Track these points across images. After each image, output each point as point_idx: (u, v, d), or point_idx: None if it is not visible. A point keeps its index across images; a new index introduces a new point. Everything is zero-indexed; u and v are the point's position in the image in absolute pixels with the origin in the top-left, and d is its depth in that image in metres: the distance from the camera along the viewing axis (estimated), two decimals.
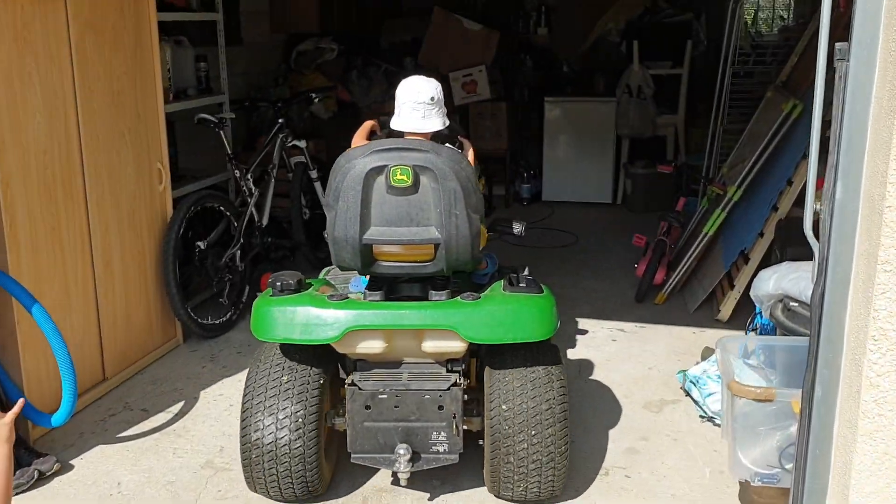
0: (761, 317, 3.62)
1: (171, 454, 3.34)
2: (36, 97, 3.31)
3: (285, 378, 2.87)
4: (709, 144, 6.20)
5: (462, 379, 2.89)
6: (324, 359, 2.95)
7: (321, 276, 3.48)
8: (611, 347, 4.38)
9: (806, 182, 2.16)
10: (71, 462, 3.26)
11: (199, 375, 4.06)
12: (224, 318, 4.57)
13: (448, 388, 2.84)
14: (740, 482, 2.91)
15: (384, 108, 6.26)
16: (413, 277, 2.94)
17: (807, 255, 2.19)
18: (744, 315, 4.24)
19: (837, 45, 1.97)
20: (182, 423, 3.59)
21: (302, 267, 4.74)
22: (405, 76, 3.11)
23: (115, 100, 3.80)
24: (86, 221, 3.66)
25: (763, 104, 5.46)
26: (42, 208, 3.38)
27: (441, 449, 2.85)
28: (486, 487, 3.00)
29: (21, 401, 2.19)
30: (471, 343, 2.80)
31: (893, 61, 1.82)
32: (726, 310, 4.57)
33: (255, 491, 2.96)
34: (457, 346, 2.81)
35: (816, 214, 2.11)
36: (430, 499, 3.01)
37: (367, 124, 3.32)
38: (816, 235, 2.11)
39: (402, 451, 2.81)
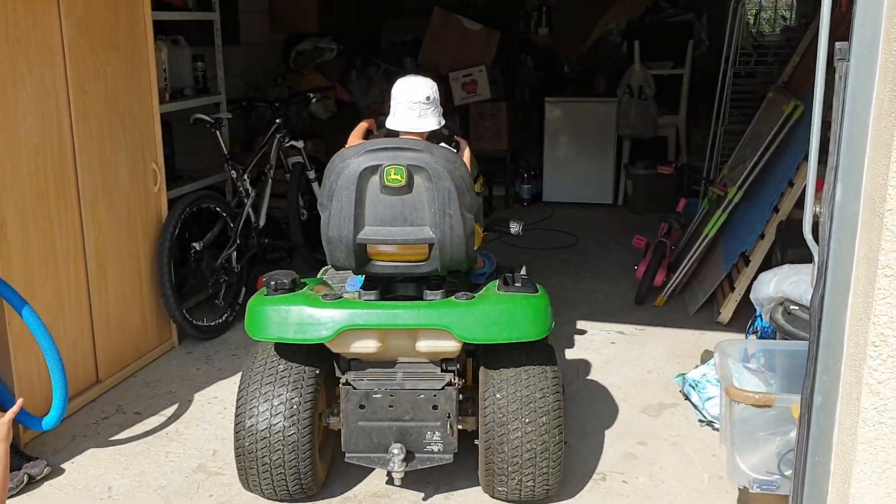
0: (761, 320, 3.59)
1: (163, 458, 3.30)
2: (28, 98, 3.28)
3: (282, 367, 2.88)
4: (710, 145, 6.16)
5: (457, 378, 2.88)
6: (318, 358, 2.94)
7: (318, 276, 3.46)
8: (610, 350, 4.34)
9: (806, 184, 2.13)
10: (62, 466, 3.23)
11: (194, 378, 4.03)
12: (220, 320, 4.53)
13: (443, 388, 2.83)
14: (739, 489, 2.87)
15: (384, 109, 6.21)
16: (408, 277, 2.92)
17: (808, 257, 2.15)
18: (744, 318, 4.20)
19: (838, 44, 1.93)
20: (175, 426, 3.56)
21: (299, 268, 4.69)
22: (405, 76, 3.08)
23: (108, 100, 3.77)
24: (79, 222, 3.62)
25: (764, 105, 5.41)
26: (34, 210, 3.35)
27: (435, 449, 2.84)
28: (480, 487, 2.97)
29: (21, 400, 2.21)
30: (466, 343, 2.79)
31: (894, 61, 1.78)
32: (726, 312, 4.53)
33: (248, 487, 2.94)
34: (451, 346, 2.80)
35: (816, 217, 2.08)
36: (425, 498, 2.98)
37: (364, 124, 3.31)
38: (816, 238, 2.07)
39: (396, 451, 2.80)
